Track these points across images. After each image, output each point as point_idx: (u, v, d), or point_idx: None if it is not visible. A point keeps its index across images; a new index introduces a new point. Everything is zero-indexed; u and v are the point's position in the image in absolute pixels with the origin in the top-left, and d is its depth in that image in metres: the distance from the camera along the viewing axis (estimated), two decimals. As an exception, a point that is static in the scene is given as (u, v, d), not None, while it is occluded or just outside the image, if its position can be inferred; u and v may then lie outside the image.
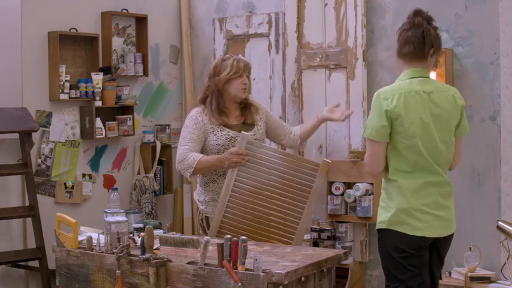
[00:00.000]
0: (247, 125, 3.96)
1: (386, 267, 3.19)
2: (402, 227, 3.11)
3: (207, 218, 3.91)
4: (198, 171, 3.82)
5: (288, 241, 3.74)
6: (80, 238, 3.53)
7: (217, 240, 3.13)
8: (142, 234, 3.29)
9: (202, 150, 3.91)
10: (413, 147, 3.10)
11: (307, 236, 4.36)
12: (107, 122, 4.87)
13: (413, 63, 3.18)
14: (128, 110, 5.00)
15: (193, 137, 3.86)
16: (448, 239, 3.23)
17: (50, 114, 4.65)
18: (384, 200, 3.19)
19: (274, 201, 3.79)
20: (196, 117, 3.90)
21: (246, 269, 2.95)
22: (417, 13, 3.20)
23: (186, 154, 3.82)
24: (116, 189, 3.90)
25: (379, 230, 3.19)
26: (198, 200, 3.99)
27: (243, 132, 3.84)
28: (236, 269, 2.95)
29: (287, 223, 3.77)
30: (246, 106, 4.01)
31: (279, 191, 3.79)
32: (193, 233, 5.28)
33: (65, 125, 4.73)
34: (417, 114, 3.11)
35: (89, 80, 4.76)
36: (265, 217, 3.79)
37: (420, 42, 3.16)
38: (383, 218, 3.16)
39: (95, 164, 4.92)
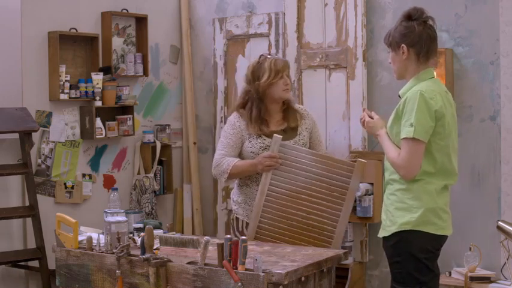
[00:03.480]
0: (290, 130, 3.85)
1: (407, 269, 3.09)
2: (428, 227, 3.07)
3: (237, 219, 3.90)
4: (233, 175, 3.78)
5: (327, 245, 3.65)
6: (80, 238, 3.53)
7: (217, 240, 3.13)
8: (142, 234, 3.28)
9: (239, 156, 3.85)
10: (445, 149, 3.09)
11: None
12: (107, 122, 4.87)
13: (428, 62, 3.17)
14: (128, 110, 5.00)
15: (229, 142, 3.81)
16: None
17: (50, 114, 4.65)
18: (403, 201, 3.10)
19: (311, 204, 3.70)
20: (234, 122, 3.84)
21: (246, 269, 2.95)
22: (422, 10, 3.18)
23: (221, 159, 3.78)
24: (116, 189, 3.90)
25: (400, 232, 3.09)
26: (233, 199, 3.97)
27: (275, 135, 3.75)
28: (236, 269, 2.95)
29: (325, 226, 3.69)
30: (288, 108, 3.89)
31: (314, 193, 3.71)
32: (193, 233, 5.28)
33: (65, 125, 4.73)
34: (450, 115, 3.12)
35: (89, 80, 4.76)
36: (302, 221, 3.70)
37: (435, 40, 3.18)
38: (407, 219, 3.07)
39: (95, 164, 4.93)
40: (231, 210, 4.22)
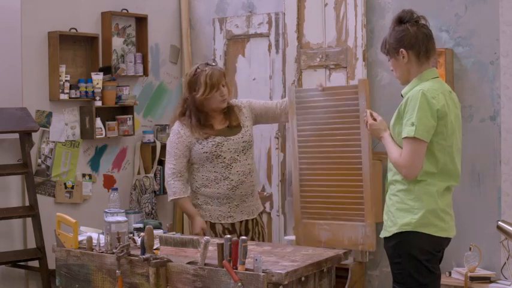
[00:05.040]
0: (233, 127, 3.90)
1: (407, 271, 3.08)
2: (429, 229, 3.05)
3: None
4: (175, 202, 4.02)
5: (359, 168, 3.78)
6: (80, 238, 3.53)
7: (217, 240, 3.14)
8: (142, 234, 3.29)
9: (190, 159, 3.88)
10: (448, 149, 3.07)
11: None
12: (107, 122, 4.88)
13: (430, 61, 3.16)
14: (127, 110, 5.00)
15: (177, 152, 3.85)
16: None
17: (50, 114, 4.65)
18: (405, 202, 3.09)
19: (333, 137, 3.87)
20: (178, 131, 3.87)
21: (246, 269, 2.95)
22: (411, 11, 3.18)
23: (171, 180, 3.87)
24: (116, 189, 3.89)
25: (400, 233, 3.08)
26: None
27: (288, 86, 3.98)
28: (236, 269, 2.95)
29: (351, 154, 3.81)
30: (228, 109, 3.93)
31: (333, 125, 3.86)
32: (193, 233, 5.28)
33: (65, 125, 4.73)
34: (453, 114, 3.11)
35: (89, 80, 4.76)
36: (332, 155, 3.87)
37: (432, 38, 3.17)
38: (408, 220, 3.06)
39: (95, 164, 4.93)
40: None
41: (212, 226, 3.86)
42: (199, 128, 3.84)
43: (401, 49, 3.12)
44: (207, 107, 3.85)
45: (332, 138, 3.88)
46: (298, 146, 3.98)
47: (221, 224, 3.85)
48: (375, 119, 3.28)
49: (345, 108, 3.83)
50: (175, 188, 3.86)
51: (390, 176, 3.20)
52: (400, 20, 3.15)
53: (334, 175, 3.88)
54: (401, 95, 3.19)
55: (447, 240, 3.15)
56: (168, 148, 3.93)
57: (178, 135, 3.87)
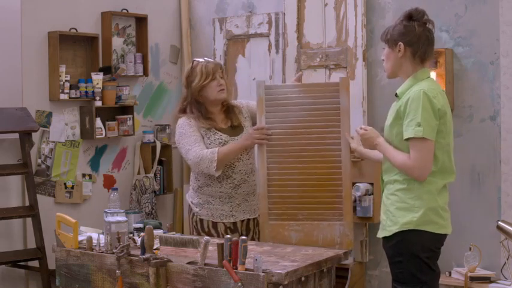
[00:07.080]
0: (235, 127, 3.90)
1: (408, 269, 3.09)
2: (430, 226, 3.07)
3: (201, 220, 3.90)
4: (221, 161, 3.72)
5: (338, 166, 3.68)
6: (80, 238, 3.53)
7: (217, 240, 3.14)
8: (142, 234, 3.29)
9: None
10: (446, 147, 3.10)
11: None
12: (107, 122, 4.88)
13: (424, 65, 3.18)
14: (127, 110, 5.00)
15: (196, 138, 3.79)
16: None
17: (50, 114, 4.65)
18: (405, 201, 3.10)
19: (309, 136, 3.75)
20: (188, 122, 3.84)
21: (246, 269, 2.95)
22: (423, 12, 3.19)
23: (201, 153, 3.73)
24: (116, 189, 3.90)
25: (401, 232, 3.08)
26: (192, 202, 3.95)
27: (257, 80, 3.87)
28: (236, 269, 2.96)
29: (329, 153, 3.72)
30: (228, 109, 3.94)
31: (310, 123, 3.75)
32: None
33: (65, 125, 4.73)
34: (449, 113, 3.13)
35: (89, 80, 4.76)
36: (307, 154, 3.74)
37: (433, 44, 3.19)
38: (409, 218, 3.07)
39: (95, 164, 4.93)
40: None
41: (214, 225, 3.86)
42: (204, 119, 3.83)
43: (401, 43, 3.14)
44: (205, 98, 3.85)
45: (307, 136, 3.75)
46: (267, 144, 3.82)
47: (223, 223, 3.85)
48: (365, 130, 3.31)
49: (323, 105, 3.73)
50: (208, 150, 3.72)
51: (387, 176, 3.21)
52: (410, 16, 3.18)
53: (309, 174, 3.74)
54: (396, 95, 3.19)
55: (445, 237, 3.18)
56: (184, 140, 3.81)
57: (189, 124, 3.82)
